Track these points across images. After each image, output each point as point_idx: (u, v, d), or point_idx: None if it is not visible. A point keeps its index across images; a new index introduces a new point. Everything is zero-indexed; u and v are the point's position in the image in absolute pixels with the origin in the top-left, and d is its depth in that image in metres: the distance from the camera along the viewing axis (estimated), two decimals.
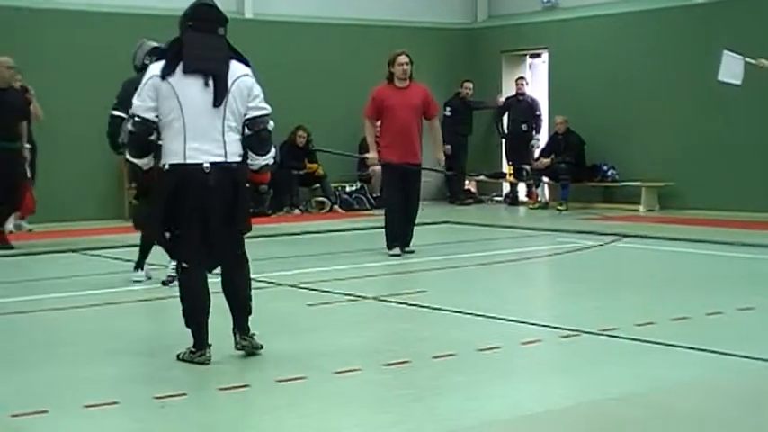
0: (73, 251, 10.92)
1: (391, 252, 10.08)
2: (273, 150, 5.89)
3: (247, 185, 5.86)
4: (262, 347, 5.89)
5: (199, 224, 5.67)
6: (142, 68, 8.24)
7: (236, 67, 5.71)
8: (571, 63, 16.01)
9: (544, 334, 6.51)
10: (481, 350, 6.00)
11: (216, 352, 5.80)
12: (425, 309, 7.43)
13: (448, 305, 7.44)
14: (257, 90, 5.76)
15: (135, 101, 5.70)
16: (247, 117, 5.70)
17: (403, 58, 10.20)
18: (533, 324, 6.80)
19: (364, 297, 7.91)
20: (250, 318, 5.89)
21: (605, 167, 15.36)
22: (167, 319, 7.04)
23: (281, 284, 8.50)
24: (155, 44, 8.18)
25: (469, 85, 16.54)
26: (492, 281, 8.95)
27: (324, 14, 16.05)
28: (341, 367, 5.59)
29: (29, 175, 11.23)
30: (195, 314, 5.75)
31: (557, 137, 15.58)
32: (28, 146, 11.09)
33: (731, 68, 11.55)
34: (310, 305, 7.65)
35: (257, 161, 5.80)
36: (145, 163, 5.82)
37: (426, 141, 10.59)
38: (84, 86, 13.72)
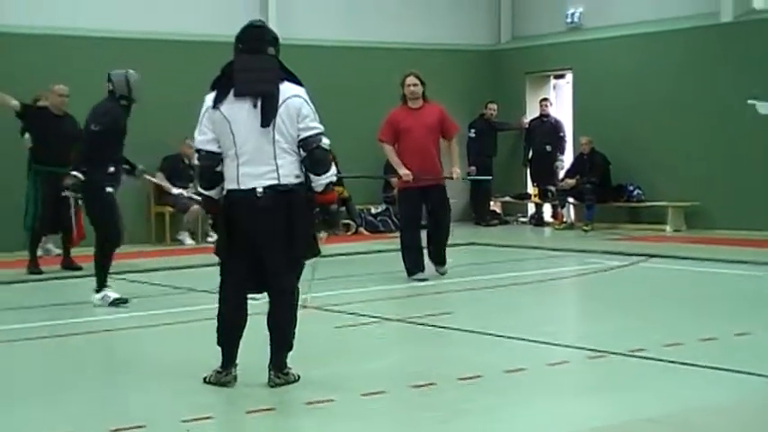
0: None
1: (414, 276, 9.93)
2: (334, 168, 5.76)
3: (317, 209, 5.78)
4: (298, 379, 5.80)
5: (250, 247, 5.64)
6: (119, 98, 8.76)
7: (286, 88, 5.62)
8: (595, 83, 15.99)
9: (571, 355, 6.48)
10: (508, 372, 5.99)
11: (245, 374, 5.81)
12: (451, 330, 7.42)
13: (474, 327, 7.42)
14: (306, 110, 5.65)
15: (196, 135, 5.73)
16: (300, 138, 5.60)
17: (411, 79, 10.07)
18: (560, 345, 6.77)
19: (390, 319, 7.91)
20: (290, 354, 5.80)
21: (631, 187, 15.31)
22: (197, 344, 7.07)
23: (306, 307, 8.49)
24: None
25: (494, 106, 16.57)
26: (518, 302, 8.93)
27: (349, 38, 16.13)
28: (368, 389, 5.59)
29: (80, 202, 11.44)
30: (226, 334, 5.76)
31: (582, 157, 15.55)
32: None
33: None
34: (337, 327, 7.65)
35: (319, 181, 5.67)
36: (215, 194, 5.77)
37: (445, 161, 10.51)
38: None
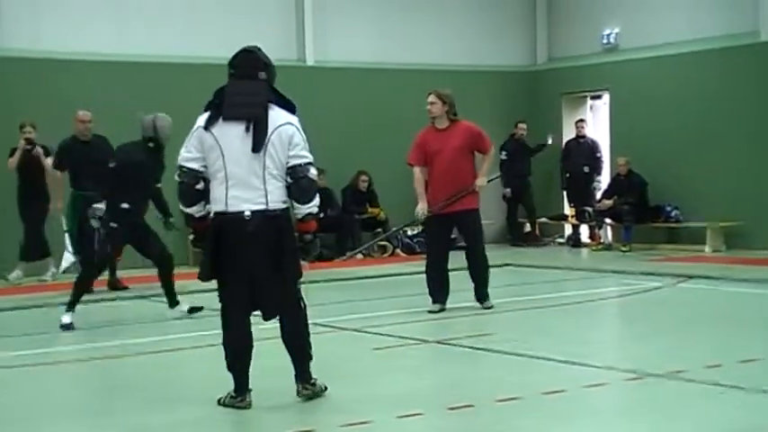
0: (141, 297, 11.09)
1: (429, 308, 9.40)
2: (317, 199, 5.80)
3: (296, 233, 5.82)
4: (326, 389, 5.96)
5: (243, 271, 5.69)
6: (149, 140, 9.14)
7: (278, 114, 5.68)
8: (632, 104, 15.94)
9: (610, 377, 6.44)
10: (546, 393, 5.96)
11: (280, 395, 5.83)
12: (489, 352, 7.40)
13: (512, 348, 7.40)
14: (298, 138, 5.69)
15: (182, 151, 5.79)
16: (288, 165, 5.65)
17: (429, 98, 9.54)
18: (599, 367, 6.74)
19: (427, 341, 7.91)
20: (312, 363, 5.92)
21: (668, 208, 15.22)
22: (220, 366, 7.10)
23: (344, 329, 8.53)
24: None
25: (523, 125, 16.49)
26: (556, 323, 8.89)
27: (383, 60, 16.22)
28: (405, 411, 5.59)
29: None
30: (235, 360, 5.80)
31: (619, 178, 15.49)
32: None
33: None
34: (375, 349, 7.66)
35: (300, 209, 5.76)
36: (195, 211, 5.83)
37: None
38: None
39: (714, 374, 6.31)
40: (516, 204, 16.57)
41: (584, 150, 16.35)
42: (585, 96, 17.36)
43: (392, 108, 15.99)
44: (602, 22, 16.67)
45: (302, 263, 5.93)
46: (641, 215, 15.16)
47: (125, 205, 9.19)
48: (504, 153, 16.30)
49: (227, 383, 5.86)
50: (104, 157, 11.30)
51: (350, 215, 15.27)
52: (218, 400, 5.88)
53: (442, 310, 9.40)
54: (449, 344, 7.77)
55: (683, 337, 7.90)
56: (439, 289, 9.48)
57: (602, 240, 15.77)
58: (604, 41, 16.62)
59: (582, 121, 16.65)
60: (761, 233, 14.21)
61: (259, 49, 5.88)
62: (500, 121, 16.86)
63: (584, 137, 16.45)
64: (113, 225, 9.19)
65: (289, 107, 5.77)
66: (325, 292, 11.22)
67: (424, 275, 9.63)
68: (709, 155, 14.91)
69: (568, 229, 16.94)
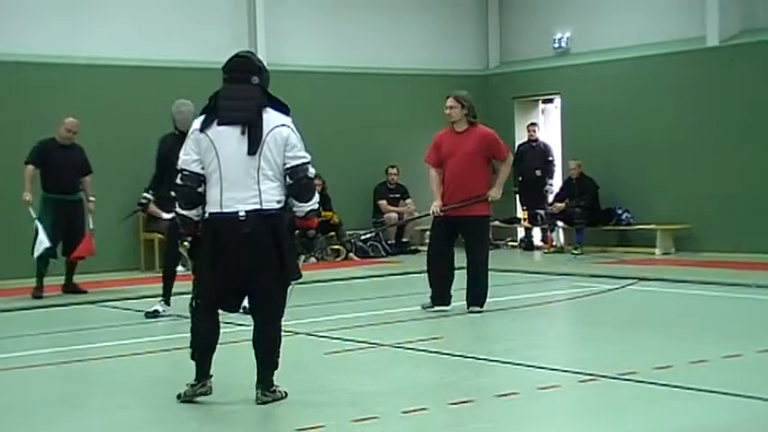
0: (90, 303, 10.98)
1: (424, 304, 9.51)
2: (317, 196, 6.00)
3: (296, 231, 5.97)
4: (285, 396, 6.02)
5: (232, 270, 5.82)
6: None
7: (272, 117, 5.85)
8: (583, 108, 16.08)
9: (562, 379, 6.48)
10: (499, 396, 5.98)
11: (238, 401, 5.79)
12: (442, 355, 7.41)
13: (465, 351, 7.42)
14: (294, 139, 5.86)
15: (181, 155, 5.91)
16: (287, 166, 5.81)
17: (448, 101, 9.51)
18: (551, 369, 6.78)
19: (381, 344, 7.90)
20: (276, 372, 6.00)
21: (620, 211, 15.37)
22: (180, 370, 7.06)
23: (297, 333, 8.50)
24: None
25: None
26: (508, 326, 8.93)
27: (336, 63, 16.20)
28: (359, 416, 5.58)
29: (91, 225, 11.65)
30: (200, 351, 5.96)
31: (570, 181, 15.61)
32: (92, 198, 11.64)
33: None
34: (327, 353, 7.64)
35: (302, 207, 5.90)
36: (195, 214, 5.91)
37: None
38: (101, 139, 13.88)
39: (665, 376, 6.37)
40: None
41: (536, 154, 16.45)
42: (537, 100, 17.47)
43: (345, 112, 16.00)
44: (553, 27, 16.80)
45: (299, 261, 6.15)
46: (593, 218, 15.29)
47: (172, 193, 9.06)
48: None
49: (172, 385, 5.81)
50: (78, 164, 11.38)
51: None
52: (178, 396, 5.98)
53: (431, 307, 9.46)
54: (402, 347, 7.77)
55: (634, 339, 7.97)
56: (436, 290, 9.49)
57: (554, 243, 15.88)
58: (556, 45, 16.75)
59: (534, 124, 16.74)
60: (709, 236, 14.41)
61: (253, 54, 6.14)
62: None
63: (536, 141, 16.54)
64: (165, 216, 9.34)
65: (283, 109, 5.93)
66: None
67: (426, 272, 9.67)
68: (659, 158, 15.09)
69: (521, 233, 17.03)
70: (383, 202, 16.16)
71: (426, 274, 9.62)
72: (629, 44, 15.62)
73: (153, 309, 9.59)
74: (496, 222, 17.03)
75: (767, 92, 13.97)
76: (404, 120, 16.72)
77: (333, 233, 15.61)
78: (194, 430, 5.58)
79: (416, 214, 16.02)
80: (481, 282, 9.43)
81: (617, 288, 11.14)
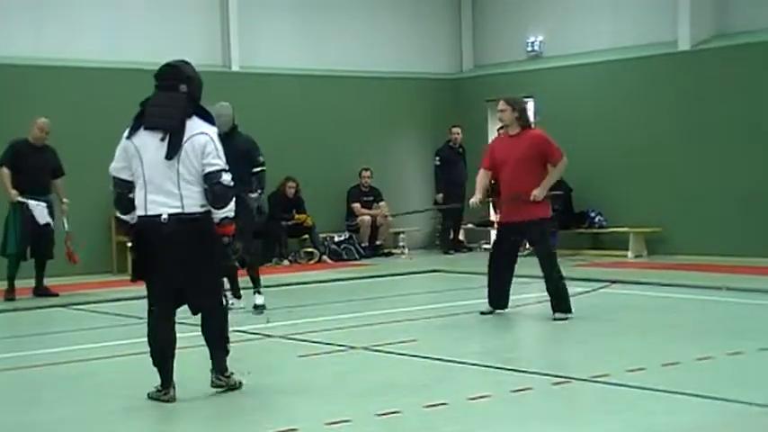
0: (61, 306, 10.90)
1: (483, 309, 9.35)
2: (232, 204, 6.11)
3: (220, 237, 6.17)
4: (241, 385, 6.25)
5: (164, 271, 6.03)
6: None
7: (194, 124, 6.03)
8: (556, 111, 16.12)
9: (535, 381, 6.49)
10: (472, 399, 5.99)
11: (209, 405, 5.75)
12: (415, 358, 7.41)
13: (438, 354, 7.42)
14: (211, 147, 6.00)
15: (112, 163, 6.17)
16: (204, 172, 5.99)
17: (499, 104, 9.31)
18: (524, 372, 6.79)
19: (354, 347, 7.89)
20: (228, 357, 6.24)
21: (592, 214, 15.43)
22: (148, 374, 7.02)
23: (270, 336, 8.48)
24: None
25: (457, 129, 16.49)
26: (482, 329, 8.94)
27: (310, 66, 16.17)
28: (332, 418, 5.57)
29: (66, 227, 11.59)
30: (158, 356, 6.11)
31: None
32: (66, 200, 11.59)
33: None
34: (300, 356, 7.62)
35: (216, 214, 6.08)
36: (130, 218, 6.19)
37: None
38: (72, 141, 13.79)
39: (637, 378, 6.40)
40: (451, 211, 16.49)
41: None
42: None
43: (319, 114, 15.98)
44: (526, 30, 16.86)
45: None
46: (566, 221, 15.33)
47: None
48: (437, 159, 16.36)
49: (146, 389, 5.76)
50: (50, 166, 11.31)
51: (276, 221, 15.20)
52: (148, 395, 6.12)
53: (491, 312, 9.32)
54: (376, 350, 7.77)
55: (607, 342, 8.01)
56: (493, 293, 9.35)
57: (527, 247, 15.89)
58: (529, 49, 16.81)
59: (503, 128, 16.70)
60: (680, 239, 14.50)
61: (185, 63, 6.25)
62: (426, 127, 16.98)
63: None
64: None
65: (208, 118, 6.12)
66: (251, 299, 11.14)
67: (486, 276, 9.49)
68: (632, 162, 15.17)
69: (494, 235, 17.03)
70: (356, 205, 16.15)
71: (487, 277, 9.45)
72: (602, 48, 15.70)
73: (260, 302, 9.78)
74: (470, 225, 17.11)
75: (738, 96, 14.08)
76: (377, 123, 16.74)
77: (306, 236, 15.59)
78: None
79: (389, 218, 16.05)
80: (557, 284, 9.20)
81: (590, 291, 11.18)
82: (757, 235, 13.76)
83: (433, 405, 5.83)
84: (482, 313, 9.30)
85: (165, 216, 5.94)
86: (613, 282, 11.65)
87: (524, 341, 8.89)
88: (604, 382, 6.33)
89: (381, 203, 16.24)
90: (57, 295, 11.43)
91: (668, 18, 14.90)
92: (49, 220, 11.21)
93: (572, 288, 11.27)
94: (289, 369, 7.23)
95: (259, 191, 9.70)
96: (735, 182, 14.04)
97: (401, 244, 16.29)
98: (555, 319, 9.03)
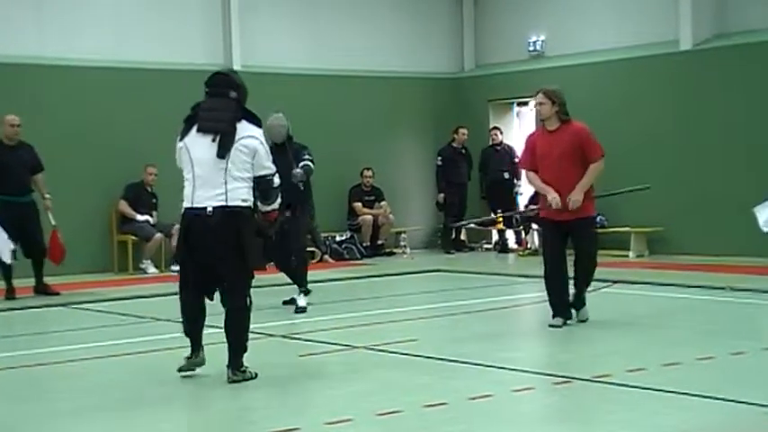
0: (62, 305, 10.90)
1: (551, 323, 8.65)
2: (279, 199, 6.86)
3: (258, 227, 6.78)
4: (256, 376, 6.58)
5: (201, 259, 6.53)
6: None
7: (244, 127, 6.59)
8: None
9: (536, 381, 6.49)
10: (473, 399, 5.98)
11: (209, 405, 5.74)
12: (417, 358, 7.40)
13: (439, 354, 7.42)
14: (262, 151, 6.62)
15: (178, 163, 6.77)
16: (256, 175, 6.61)
17: (538, 97, 8.82)
18: (526, 371, 6.78)
19: (355, 347, 7.89)
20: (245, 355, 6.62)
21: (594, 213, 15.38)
22: (159, 373, 7.02)
23: (272, 335, 8.48)
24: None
25: (464, 131, 16.50)
26: (483, 328, 8.93)
27: (311, 65, 16.16)
28: (332, 418, 5.56)
29: (53, 222, 11.53)
30: (189, 328, 6.68)
31: None
32: (48, 196, 11.50)
33: (765, 215, 10.69)
34: (302, 356, 7.62)
35: (264, 207, 6.81)
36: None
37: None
38: (72, 140, 13.79)
39: (638, 378, 6.39)
40: (454, 211, 16.48)
41: (501, 157, 16.49)
42: (512, 103, 17.51)
43: (320, 113, 15.96)
44: (528, 30, 16.85)
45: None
46: None
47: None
48: (439, 159, 16.36)
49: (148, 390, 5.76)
50: (28, 163, 11.26)
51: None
52: (178, 369, 6.63)
53: (565, 324, 8.65)
54: (376, 350, 7.76)
55: (608, 342, 8.00)
56: (558, 302, 8.76)
57: (528, 246, 15.91)
58: (530, 49, 16.79)
59: (496, 128, 16.74)
60: (682, 238, 14.48)
61: (234, 72, 7.05)
62: (429, 127, 16.97)
63: (499, 144, 16.58)
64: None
65: (255, 122, 6.69)
66: (253, 297, 11.13)
67: (544, 285, 8.93)
68: (633, 161, 15.12)
69: (495, 235, 17.06)
70: (358, 205, 16.14)
71: (545, 287, 8.89)
72: (604, 48, 15.68)
73: (302, 305, 9.84)
74: (471, 225, 17.10)
75: (739, 96, 14.07)
76: (379, 122, 16.73)
77: (308, 235, 15.56)
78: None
79: (391, 217, 16.05)
80: (587, 281, 8.88)
81: (591, 291, 11.14)
82: (759, 235, 13.72)
83: (434, 405, 5.82)
84: (551, 326, 8.62)
85: (210, 209, 6.43)
86: (615, 282, 11.64)
87: (526, 341, 8.88)
88: (605, 383, 6.32)
89: (383, 203, 16.24)
90: (58, 294, 11.42)
91: (670, 18, 14.88)
92: (8, 256, 10.91)
93: (573, 288, 11.28)
94: (289, 368, 7.22)
95: (302, 170, 9.79)
96: (736, 181, 14.02)
97: (402, 243, 16.29)
98: (582, 321, 8.71)
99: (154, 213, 14.26)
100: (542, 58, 16.66)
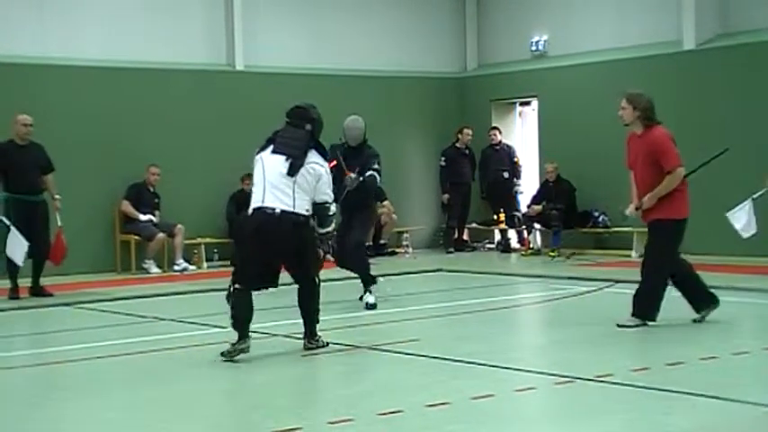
0: (64, 305, 10.90)
1: (696, 317, 8.72)
2: (333, 225, 7.89)
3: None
4: (327, 345, 7.59)
5: (265, 255, 7.41)
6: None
7: (313, 155, 7.62)
8: (560, 110, 16.12)
9: (538, 381, 6.48)
10: (475, 399, 5.97)
11: (211, 404, 5.74)
12: (418, 357, 7.40)
13: (441, 353, 7.42)
14: (325, 179, 7.63)
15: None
16: (315, 201, 7.58)
17: (621, 102, 8.84)
18: (527, 371, 6.78)
19: (357, 346, 7.89)
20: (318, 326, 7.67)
21: (596, 213, 15.41)
22: (162, 373, 7.02)
23: (274, 335, 8.47)
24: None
25: (469, 131, 16.52)
26: (485, 328, 8.93)
27: (314, 65, 16.16)
28: (335, 417, 5.56)
29: (59, 223, 11.53)
30: (240, 322, 7.35)
31: (547, 184, 15.64)
32: (58, 197, 11.50)
33: (743, 221, 10.66)
34: (304, 355, 7.62)
35: (319, 230, 7.79)
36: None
37: None
38: (76, 140, 13.79)
39: (641, 378, 6.39)
40: (453, 211, 16.47)
41: (501, 157, 16.50)
42: (514, 103, 17.51)
43: (323, 113, 15.85)
44: (530, 30, 16.84)
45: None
46: (569, 221, 15.32)
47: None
48: (442, 159, 16.37)
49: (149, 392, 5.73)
50: (39, 163, 11.29)
51: None
52: (222, 353, 7.18)
53: (703, 318, 8.68)
54: (379, 349, 7.76)
55: (611, 342, 7.99)
56: (691, 298, 8.78)
57: (531, 246, 15.90)
58: (533, 48, 16.79)
59: (495, 128, 16.74)
60: (686, 238, 14.36)
61: (313, 107, 7.90)
62: (431, 126, 16.96)
63: (498, 144, 16.57)
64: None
65: (323, 154, 7.72)
66: (255, 297, 11.11)
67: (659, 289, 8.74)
68: None
69: (498, 235, 17.05)
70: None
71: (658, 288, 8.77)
72: (606, 47, 15.67)
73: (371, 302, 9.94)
74: (474, 224, 17.10)
75: (743, 95, 14.05)
76: (381, 122, 16.67)
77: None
78: None
79: (394, 217, 16.03)
80: (642, 287, 8.73)
81: (594, 290, 11.16)
82: (762, 235, 13.72)
83: (436, 404, 5.82)
84: (695, 321, 8.69)
85: (279, 210, 7.37)
86: (617, 281, 11.62)
87: (528, 340, 8.88)
88: (608, 382, 6.31)
89: (385, 202, 16.21)
90: (51, 295, 11.30)
91: (673, 17, 14.87)
92: (21, 259, 10.97)
93: (575, 288, 11.30)
94: (291, 368, 7.22)
95: (356, 175, 9.89)
96: (738, 181, 13.98)
97: (405, 243, 16.28)
98: (620, 326, 8.49)
99: (156, 213, 14.27)
100: (545, 57, 16.65)
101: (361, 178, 9.90)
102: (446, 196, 16.38)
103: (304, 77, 15.92)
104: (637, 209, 8.84)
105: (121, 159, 14.20)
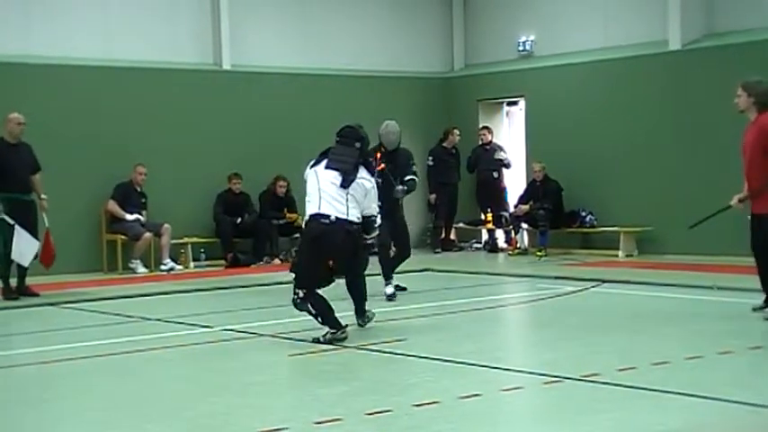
0: (50, 305, 10.86)
1: (755, 305, 8.86)
2: (377, 232, 8.68)
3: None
4: (374, 315, 8.68)
5: (323, 256, 8.21)
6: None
7: (362, 172, 8.41)
8: (548, 110, 16.15)
9: (526, 381, 6.49)
10: (462, 398, 5.98)
11: (200, 404, 5.72)
12: (406, 357, 7.40)
13: (429, 353, 7.42)
14: (373, 193, 8.50)
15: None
16: (364, 213, 8.39)
17: (737, 90, 8.87)
18: (514, 371, 6.79)
19: (345, 346, 7.88)
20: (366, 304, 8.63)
21: (583, 213, 15.44)
22: (149, 374, 7.00)
23: (261, 335, 8.47)
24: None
25: (457, 131, 16.55)
26: (472, 328, 8.94)
27: (301, 65, 16.15)
28: (322, 417, 5.56)
29: (47, 223, 11.47)
30: (328, 316, 8.04)
31: (534, 184, 15.67)
32: (44, 197, 11.42)
33: None
34: (291, 355, 7.61)
35: (365, 237, 8.55)
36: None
37: None
38: (61, 140, 13.75)
39: (628, 377, 6.40)
40: (440, 211, 16.49)
41: (491, 156, 16.52)
42: (502, 103, 17.53)
43: (310, 113, 15.94)
44: (517, 30, 16.87)
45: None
46: (556, 220, 15.35)
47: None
48: (430, 159, 16.38)
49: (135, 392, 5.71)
50: (29, 163, 11.24)
51: (267, 220, 15.18)
52: (316, 339, 7.94)
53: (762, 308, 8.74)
54: (367, 349, 7.76)
55: (598, 341, 8.01)
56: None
57: (518, 245, 15.93)
58: (520, 48, 16.82)
59: (485, 128, 16.76)
60: (671, 238, 14.50)
61: (360, 126, 8.70)
62: (418, 126, 16.96)
63: (489, 143, 16.59)
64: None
65: (370, 169, 8.57)
66: (242, 297, 11.13)
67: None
68: (623, 161, 15.19)
69: (485, 235, 17.07)
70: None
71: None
72: (593, 47, 15.72)
73: (390, 293, 10.59)
74: (461, 224, 17.12)
75: (728, 95, 14.02)
76: (368, 121, 16.64)
77: (297, 234, 15.53)
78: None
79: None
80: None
81: (580, 290, 11.18)
82: (748, 234, 13.76)
83: (423, 404, 5.82)
84: (754, 309, 8.82)
85: (333, 217, 8.14)
86: (604, 281, 11.65)
87: (515, 340, 8.89)
88: (595, 382, 6.33)
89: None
90: (37, 295, 11.26)
91: (659, 18, 14.92)
92: (28, 260, 11.03)
93: (562, 287, 11.32)
94: (279, 368, 7.21)
95: (404, 187, 10.70)
96: (725, 181, 14.02)
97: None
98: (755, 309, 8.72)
99: (143, 213, 14.24)
100: (532, 57, 16.68)
101: (405, 187, 10.65)
102: (433, 196, 16.40)
103: (291, 77, 15.92)
104: (740, 201, 8.84)
105: (108, 159, 14.16)
